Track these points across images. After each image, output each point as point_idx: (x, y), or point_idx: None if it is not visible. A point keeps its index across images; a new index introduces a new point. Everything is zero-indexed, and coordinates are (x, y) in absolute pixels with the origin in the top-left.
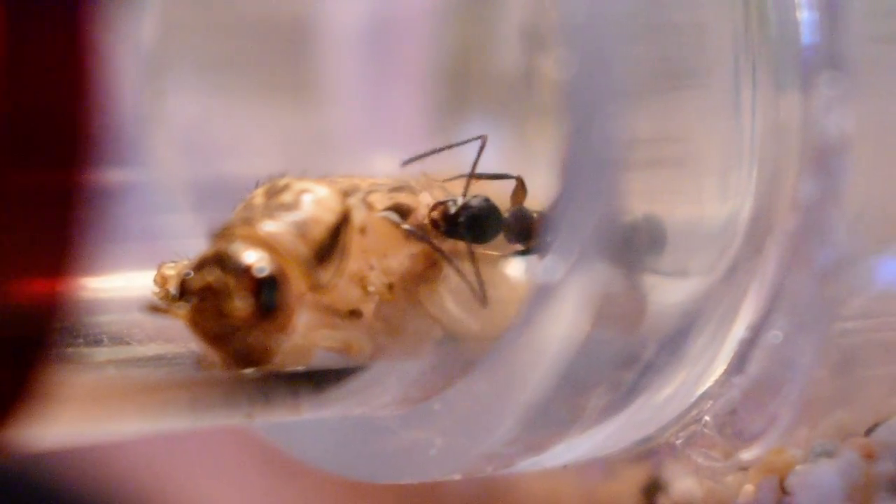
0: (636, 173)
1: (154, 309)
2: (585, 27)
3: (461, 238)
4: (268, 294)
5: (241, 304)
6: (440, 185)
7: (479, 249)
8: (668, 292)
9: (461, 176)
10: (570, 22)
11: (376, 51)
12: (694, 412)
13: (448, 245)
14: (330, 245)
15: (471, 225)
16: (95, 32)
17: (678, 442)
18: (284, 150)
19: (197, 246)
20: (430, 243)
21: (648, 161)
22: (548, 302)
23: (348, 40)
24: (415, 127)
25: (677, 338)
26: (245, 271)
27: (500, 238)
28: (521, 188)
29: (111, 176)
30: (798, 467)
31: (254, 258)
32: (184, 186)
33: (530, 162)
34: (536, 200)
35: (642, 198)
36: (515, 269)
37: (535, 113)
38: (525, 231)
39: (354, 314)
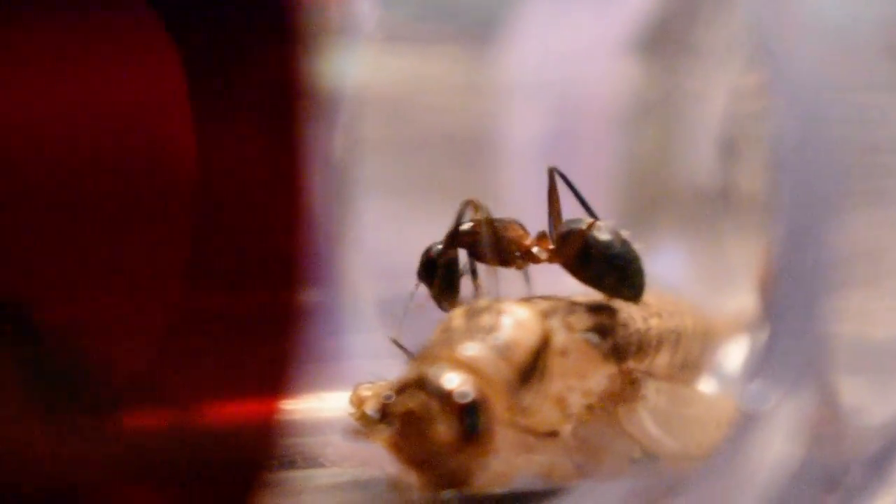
0: (843, 292)
1: (356, 433)
2: (791, 142)
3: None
4: (471, 419)
5: (444, 430)
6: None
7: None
8: (870, 413)
9: None
10: (775, 137)
11: (560, 164)
12: None
13: (645, 364)
14: (531, 368)
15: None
16: (289, 153)
17: None
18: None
19: (388, 366)
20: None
21: (852, 279)
22: (756, 428)
23: (532, 154)
24: None
25: (880, 459)
26: (448, 396)
27: (694, 355)
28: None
29: (303, 296)
30: None
31: (457, 382)
32: (374, 306)
33: (728, 279)
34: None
35: (849, 317)
36: (711, 387)
37: (732, 227)
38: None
39: (552, 434)
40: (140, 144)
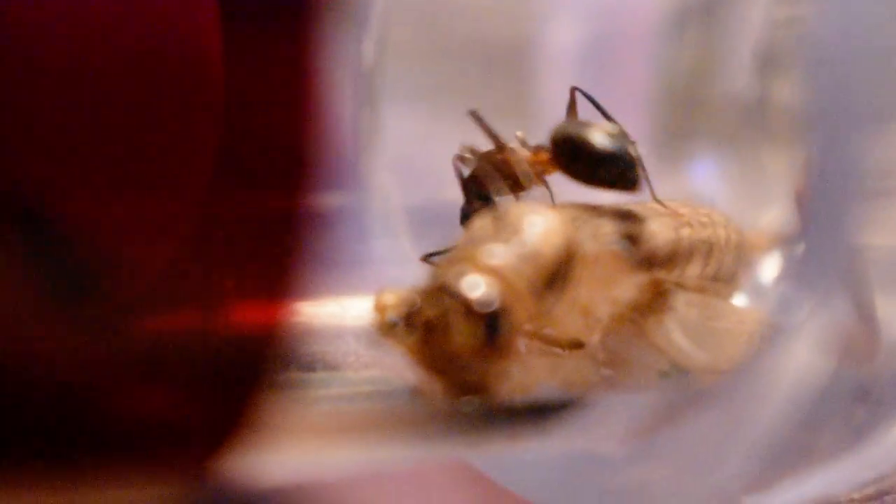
0: (880, 204)
1: (378, 340)
2: (829, 49)
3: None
4: (495, 326)
5: (467, 337)
6: (668, 211)
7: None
8: None
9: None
10: (812, 44)
11: (596, 73)
12: None
13: (675, 275)
14: (557, 275)
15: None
16: (316, 56)
17: None
18: None
19: (414, 272)
20: (658, 272)
21: (889, 191)
22: (787, 339)
23: (567, 62)
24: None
25: None
26: (471, 303)
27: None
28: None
29: (328, 200)
30: None
31: (481, 289)
32: (400, 212)
33: (764, 192)
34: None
35: (885, 230)
36: (741, 300)
37: (769, 140)
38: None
39: (577, 345)
40: (167, 41)
